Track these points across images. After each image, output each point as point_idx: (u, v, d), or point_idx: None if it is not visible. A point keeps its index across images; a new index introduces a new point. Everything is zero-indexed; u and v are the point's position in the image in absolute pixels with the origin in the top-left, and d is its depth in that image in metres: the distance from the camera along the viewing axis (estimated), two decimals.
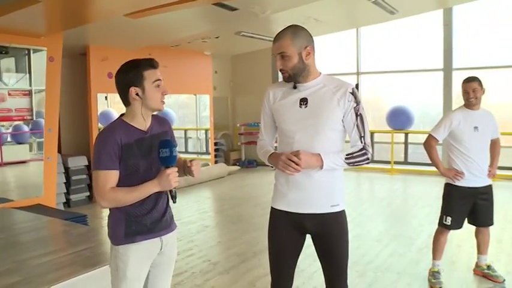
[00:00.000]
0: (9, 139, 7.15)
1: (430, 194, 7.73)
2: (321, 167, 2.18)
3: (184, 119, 13.06)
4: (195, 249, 5.01)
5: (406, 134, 10.06)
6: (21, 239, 4.36)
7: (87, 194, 7.53)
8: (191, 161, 2.23)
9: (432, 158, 3.87)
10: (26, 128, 7.20)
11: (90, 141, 7.52)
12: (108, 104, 11.44)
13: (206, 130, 11.29)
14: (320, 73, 2.33)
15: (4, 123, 6.76)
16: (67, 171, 7.17)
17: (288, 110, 2.30)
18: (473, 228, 4.01)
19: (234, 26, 7.57)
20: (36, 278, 3.26)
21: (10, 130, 7.14)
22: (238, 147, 11.65)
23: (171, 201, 2.22)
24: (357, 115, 2.26)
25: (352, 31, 10.48)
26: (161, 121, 2.31)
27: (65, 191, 7.13)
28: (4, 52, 6.35)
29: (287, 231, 2.36)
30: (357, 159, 2.25)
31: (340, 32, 10.11)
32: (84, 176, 7.43)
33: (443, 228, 3.89)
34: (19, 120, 6.77)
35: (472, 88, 3.70)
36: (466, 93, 3.74)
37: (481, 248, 4.02)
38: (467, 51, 9.68)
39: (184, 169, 2.24)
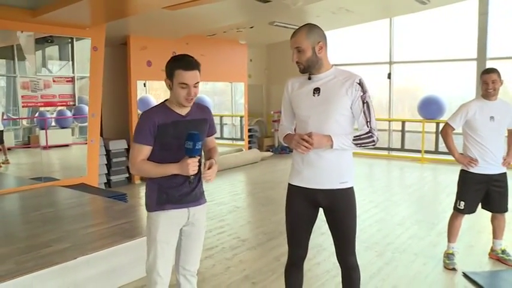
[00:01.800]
0: (53, 124, 7.66)
1: (456, 181, 7.83)
2: (331, 146, 2.46)
3: (220, 106, 13.45)
4: (226, 227, 5.37)
5: (437, 124, 10.11)
6: (69, 212, 4.82)
7: (127, 175, 7.98)
8: (209, 167, 2.44)
9: (448, 145, 4.08)
10: (68, 113, 7.68)
11: (129, 126, 7.96)
12: (147, 91, 11.94)
13: (241, 117, 11.62)
14: (332, 66, 2.62)
15: (49, 108, 7.25)
16: (108, 154, 7.63)
17: (303, 98, 2.60)
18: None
19: (267, 16, 7.82)
20: (84, 245, 3.69)
21: (54, 115, 7.66)
22: (271, 134, 11.95)
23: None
24: (363, 103, 2.52)
25: (386, 21, 10.55)
26: (202, 109, 2.60)
27: (106, 172, 7.60)
28: (50, 41, 6.84)
29: (302, 205, 2.67)
30: (363, 141, 2.52)
31: (373, 22, 10.20)
32: (124, 159, 7.88)
33: (457, 212, 4.10)
34: (62, 105, 7.23)
35: (492, 79, 3.86)
36: (485, 84, 3.90)
37: (496, 233, 4.21)
38: (502, 40, 9.61)
39: (202, 169, 2.48)
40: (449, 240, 4.18)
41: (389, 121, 10.98)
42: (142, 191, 7.50)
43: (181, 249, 2.64)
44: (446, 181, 8.24)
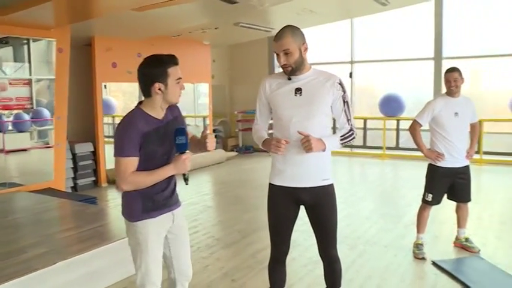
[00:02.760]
0: (10, 127, 7.47)
1: (419, 177, 8.01)
2: (324, 150, 2.57)
3: (182, 107, 13.36)
4: (199, 227, 5.41)
5: (398, 121, 10.45)
6: (41, 217, 4.76)
7: (93, 178, 7.89)
8: (206, 135, 2.45)
9: (416, 141, 4.28)
10: (26, 117, 7.50)
11: (95, 129, 7.87)
12: (107, 93, 11.77)
13: (204, 117, 11.64)
14: (311, 67, 2.70)
15: (5, 111, 7.07)
16: (74, 157, 7.52)
17: (284, 98, 2.65)
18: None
19: (233, 17, 7.89)
20: (64, 249, 3.67)
21: (11, 118, 7.46)
22: (235, 134, 12.03)
23: (182, 183, 2.48)
24: (344, 102, 2.64)
25: (347, 21, 10.81)
26: (171, 108, 2.48)
27: (72, 176, 7.49)
28: (4, 42, 6.67)
29: (284, 203, 2.75)
30: (348, 139, 2.66)
31: (335, 23, 10.43)
32: (90, 162, 7.79)
33: (425, 204, 4.32)
34: (19, 109, 7.03)
35: (454, 78, 4.09)
36: (448, 82, 4.12)
37: (460, 222, 4.45)
38: (457, 40, 10.04)
39: (200, 144, 2.48)
40: (418, 231, 4.38)
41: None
42: (110, 193, 7.45)
43: (172, 258, 2.59)
44: (407, 176, 8.55)
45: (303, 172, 2.66)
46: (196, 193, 7.41)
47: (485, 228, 5.12)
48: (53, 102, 6.77)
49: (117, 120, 13.79)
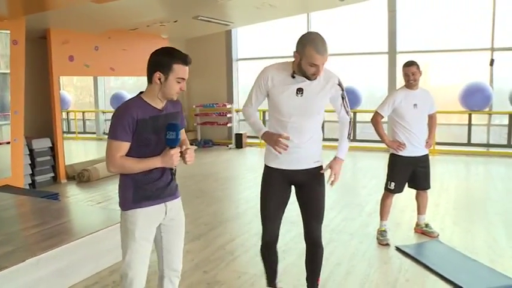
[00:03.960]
0: None
1: (377, 167, 8.41)
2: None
3: None
4: None
5: (354, 113, 10.70)
6: (3, 215, 4.61)
7: (52, 175, 7.69)
8: (186, 149, 2.43)
9: (378, 132, 4.44)
10: None
11: (53, 123, 7.66)
12: (61, 87, 11.47)
13: None
14: None
15: None
16: (31, 153, 7.31)
17: (286, 98, 2.78)
18: (413, 196, 4.69)
19: (192, 10, 7.86)
20: (31, 246, 3.59)
21: None
22: (194, 128, 11.99)
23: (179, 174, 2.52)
24: (342, 98, 2.87)
25: (303, 16, 10.95)
26: (174, 103, 2.50)
27: (30, 172, 7.28)
28: None
29: (280, 186, 2.93)
30: (350, 131, 3.05)
31: (292, 17, 10.54)
32: (49, 158, 7.59)
33: (388, 192, 4.48)
34: None
35: (412, 71, 4.25)
36: (406, 75, 4.29)
37: (420, 209, 4.66)
38: (410, 35, 10.36)
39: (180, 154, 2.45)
40: (381, 219, 4.55)
41: None
42: (70, 189, 7.29)
43: (163, 249, 2.58)
44: (366, 166, 8.81)
45: (298, 158, 2.86)
46: None
47: (442, 214, 5.36)
48: (7, 97, 6.55)
49: (71, 116, 13.51)
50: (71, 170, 7.94)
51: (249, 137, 11.61)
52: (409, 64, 4.28)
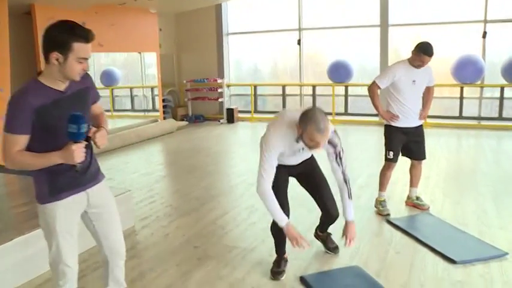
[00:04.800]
0: None
1: (369, 140, 8.42)
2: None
3: (130, 78, 13.13)
4: (156, 196, 5.37)
5: (346, 87, 10.65)
6: None
7: None
8: (95, 132, 2.22)
9: (374, 102, 4.40)
10: None
11: None
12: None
13: (152, 87, 11.43)
14: None
15: None
16: None
17: (291, 154, 3.06)
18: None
19: None
20: (19, 225, 3.54)
21: None
22: (184, 103, 11.89)
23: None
24: (336, 156, 3.05)
25: None
26: (82, 77, 2.16)
27: None
28: None
29: (283, 175, 3.17)
30: (350, 191, 3.24)
31: None
32: None
33: (389, 162, 4.47)
34: None
35: (427, 61, 4.15)
36: (420, 61, 4.14)
37: (413, 182, 4.65)
38: (402, 8, 10.24)
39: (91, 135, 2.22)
40: (380, 189, 4.55)
41: (301, 86, 11.37)
42: None
43: (99, 236, 2.46)
44: (357, 140, 8.80)
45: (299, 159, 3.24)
46: (150, 163, 7.34)
47: (433, 187, 5.37)
48: None
49: None
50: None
51: (240, 111, 11.54)
52: (430, 54, 4.10)
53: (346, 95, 10.75)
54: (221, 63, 11.59)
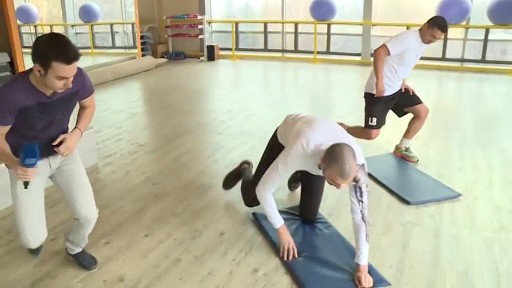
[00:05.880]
0: None
1: (347, 80, 8.34)
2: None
3: (110, 15, 12.78)
4: (123, 134, 5.30)
5: (329, 25, 10.40)
6: None
7: None
8: (62, 140, 2.23)
9: (378, 67, 3.98)
10: None
11: (9, 38, 7.28)
12: None
13: (133, 24, 11.09)
14: None
15: None
16: None
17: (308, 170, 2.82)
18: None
19: None
20: None
21: None
22: (165, 40, 11.60)
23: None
24: (355, 191, 2.57)
25: None
26: (75, 79, 2.14)
27: None
28: None
29: None
30: (368, 232, 2.57)
31: None
32: (8, 73, 7.29)
33: (369, 129, 4.20)
34: None
35: (440, 36, 3.90)
36: (433, 37, 3.88)
37: (409, 134, 4.39)
38: None
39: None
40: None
41: (283, 23, 11.09)
42: None
43: (68, 200, 2.45)
44: (337, 79, 8.73)
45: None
46: (124, 101, 7.23)
47: (404, 127, 5.28)
48: None
49: (39, 30, 12.97)
50: None
51: (221, 49, 11.30)
52: (445, 29, 3.86)
53: (328, 33, 10.51)
54: None
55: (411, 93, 4.28)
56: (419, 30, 3.97)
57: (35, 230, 2.36)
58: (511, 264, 2.70)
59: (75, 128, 2.35)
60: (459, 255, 2.80)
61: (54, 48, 1.96)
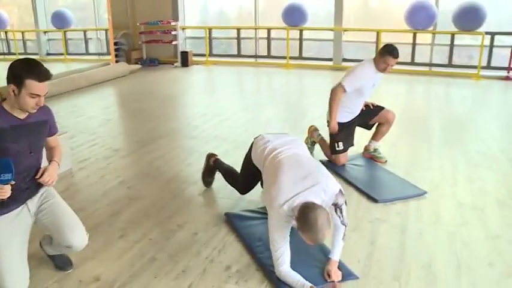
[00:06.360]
0: None
1: (319, 85, 8.48)
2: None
3: (84, 21, 12.77)
4: (97, 139, 5.31)
5: (301, 31, 10.57)
6: None
7: None
8: (43, 172, 2.37)
9: (333, 108, 4.11)
10: None
11: None
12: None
13: (106, 30, 11.08)
14: None
15: None
16: None
17: None
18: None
19: None
20: None
21: None
22: (139, 46, 11.60)
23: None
24: (336, 209, 2.59)
25: None
26: (43, 109, 2.37)
27: None
28: None
29: None
30: (345, 233, 2.67)
31: None
32: None
33: (337, 154, 4.30)
34: None
35: (393, 63, 4.02)
36: (386, 65, 4.00)
37: (377, 136, 4.49)
38: None
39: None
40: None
41: (256, 29, 11.22)
42: None
43: (59, 233, 2.46)
44: (309, 84, 8.92)
45: None
46: (97, 107, 7.22)
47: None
48: None
49: (10, 36, 12.82)
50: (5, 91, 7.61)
51: (195, 55, 11.36)
52: (397, 56, 3.99)
53: (300, 39, 10.69)
54: (175, 5, 11.26)
55: (371, 107, 4.40)
56: (373, 59, 4.10)
57: (17, 281, 2.32)
58: (470, 255, 2.84)
59: (51, 161, 2.49)
60: (423, 249, 2.93)
61: (26, 67, 2.19)
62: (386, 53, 3.98)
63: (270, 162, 2.79)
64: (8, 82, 2.20)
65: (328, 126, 4.28)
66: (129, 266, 2.74)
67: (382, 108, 4.42)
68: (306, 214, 2.30)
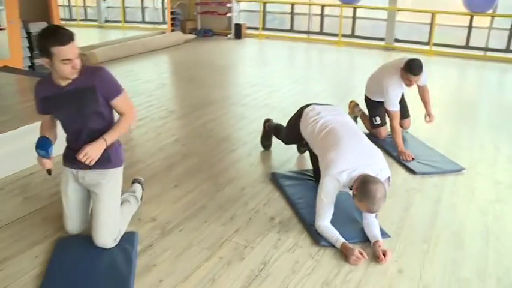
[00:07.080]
0: None
1: (369, 64, 8.49)
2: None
3: None
4: (154, 101, 5.68)
5: (355, 9, 10.57)
6: (1, 91, 4.87)
7: None
8: (83, 150, 2.38)
9: (399, 139, 4.12)
10: None
11: (48, 6, 7.67)
12: None
13: (163, 0, 11.42)
14: None
15: None
16: (29, 36, 7.35)
17: None
18: None
19: None
20: (25, 117, 3.86)
21: None
22: (194, 17, 11.91)
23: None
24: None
25: None
26: (92, 73, 2.39)
27: (29, 55, 7.39)
28: None
29: None
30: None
31: None
32: None
33: (377, 128, 4.49)
34: None
35: (416, 80, 4.10)
36: (409, 81, 4.07)
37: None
38: None
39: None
40: None
41: (310, 5, 11.29)
42: None
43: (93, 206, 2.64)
44: (360, 62, 8.96)
45: None
46: (153, 72, 7.59)
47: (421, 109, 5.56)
48: None
49: (72, 3, 13.36)
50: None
51: (248, 28, 11.56)
52: (418, 73, 4.03)
53: (353, 17, 10.69)
54: None
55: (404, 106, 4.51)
56: (400, 74, 4.15)
57: (69, 223, 2.68)
58: (500, 229, 2.99)
59: (100, 137, 2.45)
60: (455, 219, 3.09)
61: (47, 36, 2.20)
62: (407, 71, 4.04)
63: (327, 133, 2.94)
64: (41, 56, 2.27)
65: (365, 101, 4.56)
66: (182, 211, 3.06)
67: (408, 115, 4.60)
68: (367, 185, 2.48)
